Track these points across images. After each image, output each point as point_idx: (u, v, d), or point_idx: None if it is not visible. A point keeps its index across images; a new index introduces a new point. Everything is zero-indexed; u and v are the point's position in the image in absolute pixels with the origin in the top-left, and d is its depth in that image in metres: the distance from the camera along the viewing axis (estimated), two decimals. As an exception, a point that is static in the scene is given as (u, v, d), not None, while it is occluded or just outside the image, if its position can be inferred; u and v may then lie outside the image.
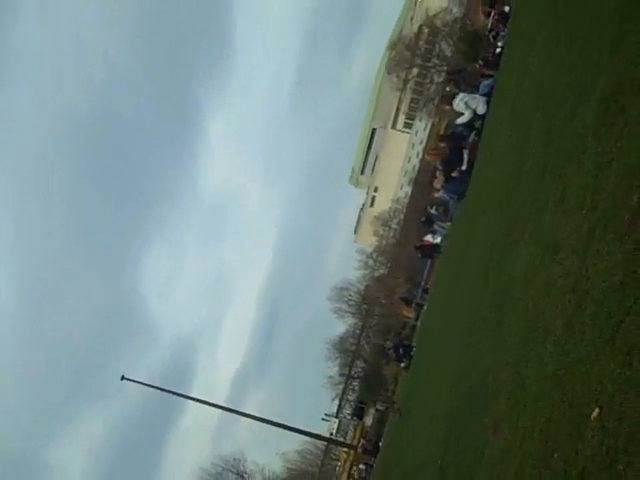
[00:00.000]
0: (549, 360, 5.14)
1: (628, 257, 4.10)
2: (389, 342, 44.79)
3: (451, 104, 22.94)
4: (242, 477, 60.62)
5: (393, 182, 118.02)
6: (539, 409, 4.98)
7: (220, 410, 54.58)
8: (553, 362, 5.01)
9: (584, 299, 4.73)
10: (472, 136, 21.95)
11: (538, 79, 10.82)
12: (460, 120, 22.14)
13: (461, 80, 24.85)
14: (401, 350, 35.91)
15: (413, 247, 41.06)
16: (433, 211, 31.37)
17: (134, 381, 46.83)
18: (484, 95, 21.80)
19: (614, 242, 4.44)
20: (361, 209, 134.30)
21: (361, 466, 47.88)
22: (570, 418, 4.27)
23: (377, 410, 51.35)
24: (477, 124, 21.77)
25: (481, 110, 21.32)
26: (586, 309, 4.62)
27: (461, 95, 22.29)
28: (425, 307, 35.58)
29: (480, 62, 29.16)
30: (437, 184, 25.70)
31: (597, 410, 3.85)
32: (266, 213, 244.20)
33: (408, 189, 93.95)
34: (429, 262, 39.27)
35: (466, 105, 21.46)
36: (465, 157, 21.88)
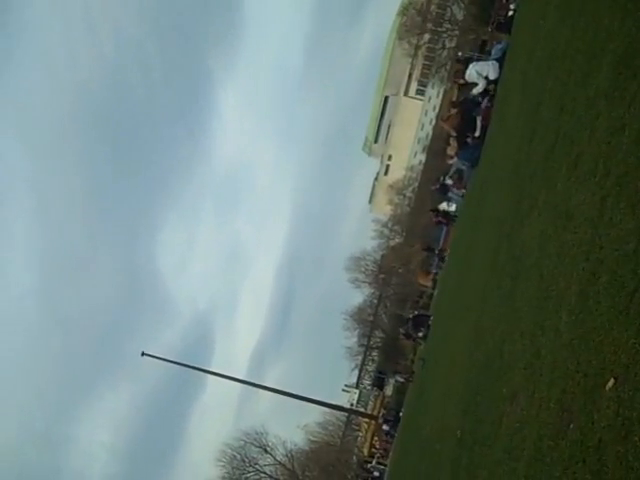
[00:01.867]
0: (564, 329, 5.10)
1: (641, 225, 4.04)
2: (402, 329, 44.89)
3: (464, 77, 22.72)
4: (265, 450, 61.10)
5: (407, 150, 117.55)
6: (555, 379, 4.95)
7: (240, 384, 55.05)
8: (568, 331, 4.98)
9: (598, 268, 4.68)
10: (485, 102, 21.76)
11: (550, 43, 10.66)
12: (475, 90, 21.93)
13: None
14: (414, 324, 35.98)
15: (429, 211, 41.00)
16: (448, 181, 31.22)
17: (154, 357, 47.30)
18: (496, 60, 21.58)
19: (627, 210, 4.37)
20: (375, 178, 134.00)
21: (385, 426, 48.04)
22: (585, 388, 4.24)
23: (397, 381, 51.57)
24: (490, 89, 21.58)
25: (493, 75, 21.11)
26: (600, 278, 4.57)
27: (472, 64, 22.10)
28: (441, 275, 35.63)
29: (492, 25, 28.86)
30: (450, 151, 25.57)
31: (612, 380, 3.82)
32: (280, 184, 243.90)
33: (422, 157, 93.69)
34: (444, 229, 39.24)
35: (478, 74, 21.26)
36: (478, 124, 21.71)
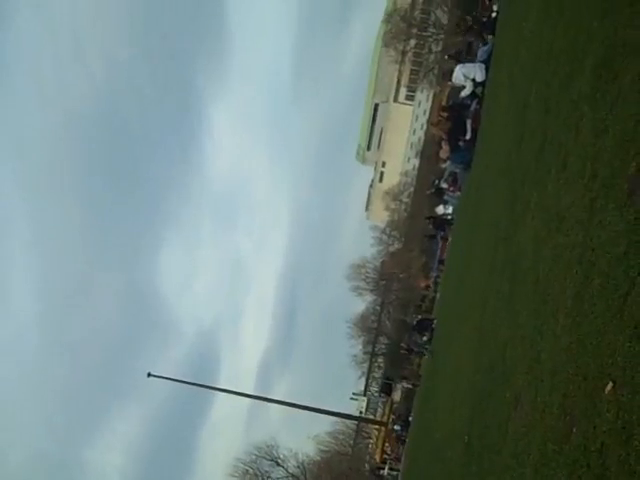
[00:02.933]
0: (562, 333, 5.13)
1: (630, 227, 4.07)
2: (403, 344, 45.10)
3: (451, 79, 22.81)
4: (276, 463, 61.05)
5: (400, 156, 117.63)
6: (556, 383, 4.97)
7: (249, 399, 54.97)
8: (566, 335, 5.00)
9: (591, 270, 4.71)
10: (474, 105, 21.83)
11: (533, 45, 10.71)
12: (463, 93, 22.01)
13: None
14: (418, 329, 36.01)
15: (425, 218, 41.15)
16: (443, 184, 31.28)
17: (161, 377, 47.25)
18: (482, 62, 21.66)
19: (615, 212, 4.40)
20: (370, 185, 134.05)
21: (396, 426, 47.96)
22: (585, 392, 4.26)
23: (404, 387, 51.50)
24: (478, 91, 21.65)
25: (480, 77, 21.18)
26: (593, 281, 4.60)
27: (458, 67, 22.16)
28: (442, 279, 35.67)
29: (469, 21, 28.98)
30: (443, 155, 25.61)
31: (610, 384, 3.84)
32: (276, 197, 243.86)
33: (416, 161, 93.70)
34: (440, 242, 39.32)
35: (465, 76, 21.33)
36: (468, 126, 21.78)
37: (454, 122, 22.61)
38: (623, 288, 3.97)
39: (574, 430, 4.32)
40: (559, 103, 7.21)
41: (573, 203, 5.61)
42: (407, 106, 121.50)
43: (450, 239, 34.26)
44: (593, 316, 4.42)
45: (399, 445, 49.56)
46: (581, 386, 4.36)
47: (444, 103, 25.40)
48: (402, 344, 49.77)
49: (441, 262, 39.03)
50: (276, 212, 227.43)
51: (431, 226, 39.03)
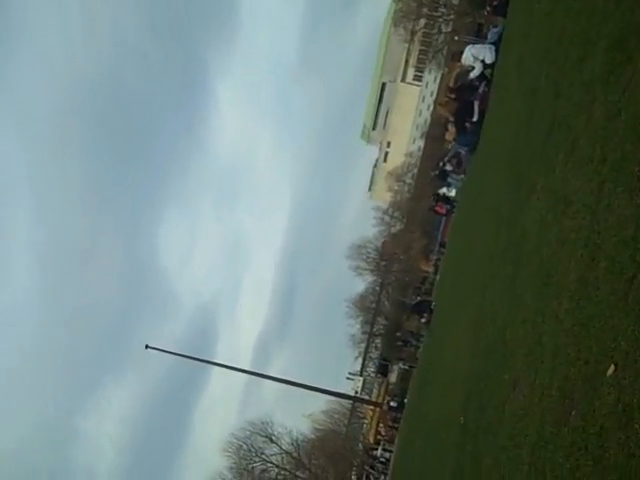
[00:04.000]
0: (564, 316, 5.10)
1: (639, 211, 4.03)
2: (400, 334, 45.40)
3: (460, 60, 22.64)
4: (270, 439, 61.32)
5: (405, 136, 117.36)
6: (556, 366, 4.96)
7: (245, 375, 55.18)
8: (568, 318, 4.98)
9: (597, 254, 4.67)
10: (482, 87, 21.70)
11: (545, 26, 10.61)
12: (472, 74, 21.85)
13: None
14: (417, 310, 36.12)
15: (431, 195, 41.08)
16: (447, 166, 31.19)
17: (158, 349, 47.32)
18: (493, 43, 21.50)
19: (624, 196, 4.36)
20: (374, 165, 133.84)
21: (392, 403, 48.18)
22: (586, 375, 4.24)
23: (401, 368, 51.70)
24: (487, 73, 21.51)
25: (489, 59, 21.03)
26: (599, 264, 4.57)
27: (468, 47, 22.00)
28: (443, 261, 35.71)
29: (488, 8, 28.68)
30: (449, 137, 25.56)
31: (612, 367, 3.82)
32: (279, 174, 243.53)
33: (421, 143, 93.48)
34: (443, 220, 39.31)
35: (474, 57, 21.18)
36: (475, 108, 21.66)
37: (461, 103, 22.50)
38: (629, 272, 3.94)
39: (573, 413, 4.31)
40: (570, 86, 7.14)
41: (581, 186, 5.56)
42: (414, 86, 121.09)
43: (452, 220, 34.24)
44: (597, 299, 4.39)
45: (393, 427, 49.86)
46: (582, 369, 4.34)
47: (452, 84, 25.21)
48: (398, 334, 50.08)
49: (442, 244, 39.07)
50: (278, 190, 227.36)
51: (432, 208, 38.95)
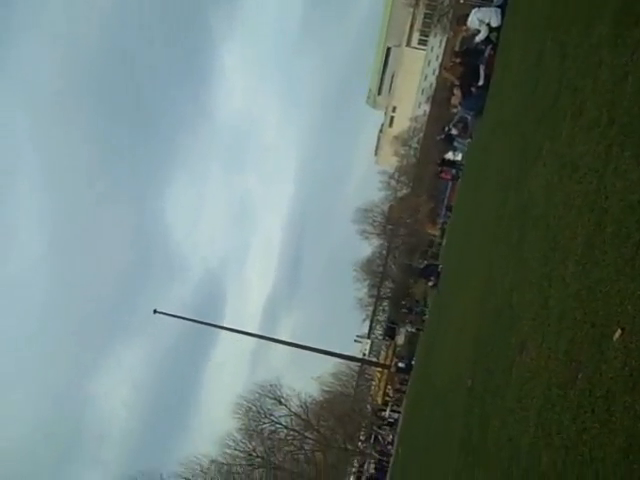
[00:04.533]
0: (571, 280, 5.13)
1: (645, 176, 4.04)
2: (405, 302, 45.52)
3: (465, 23, 22.40)
4: (279, 401, 61.86)
5: (411, 101, 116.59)
6: (562, 329, 5.00)
7: (253, 338, 55.56)
8: (575, 282, 5.01)
9: (603, 218, 4.69)
10: (488, 50, 21.49)
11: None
12: (478, 38, 21.62)
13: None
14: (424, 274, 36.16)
15: (435, 164, 41.02)
16: (453, 131, 31.02)
17: (166, 314, 47.65)
18: (499, 6, 21.27)
19: (632, 160, 4.36)
20: (380, 130, 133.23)
21: (400, 363, 48.52)
22: (593, 339, 4.28)
23: (408, 331, 51.95)
24: (493, 37, 21.30)
25: (495, 22, 20.80)
26: (605, 228, 4.59)
27: (473, 11, 21.75)
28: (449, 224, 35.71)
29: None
30: (454, 101, 25.35)
31: (619, 331, 3.86)
32: (286, 139, 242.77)
33: (426, 107, 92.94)
34: (450, 185, 39.24)
35: (480, 21, 20.95)
36: (481, 72, 21.47)
37: (467, 68, 22.30)
38: (636, 236, 3.96)
39: (580, 376, 4.36)
40: (577, 49, 7.10)
41: (588, 150, 5.56)
42: (419, 51, 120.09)
43: (459, 185, 34.15)
44: (604, 263, 4.42)
45: (401, 389, 50.24)
46: (589, 332, 4.38)
47: (457, 48, 25.02)
48: (403, 302, 50.28)
49: (449, 208, 39.03)
50: (285, 154, 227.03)
51: (438, 174, 38.88)
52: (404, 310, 49.07)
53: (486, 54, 21.33)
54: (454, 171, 36.23)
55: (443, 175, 38.26)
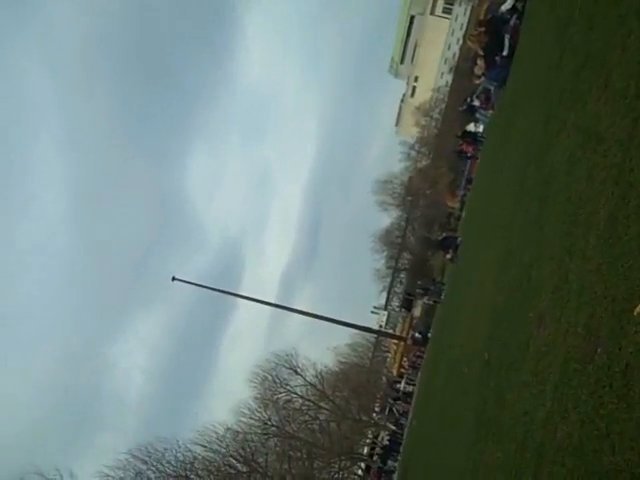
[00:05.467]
0: (592, 254, 5.07)
1: (672, 148, 3.96)
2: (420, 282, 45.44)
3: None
4: (295, 371, 62.16)
5: (433, 71, 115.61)
6: (582, 304, 4.94)
7: (270, 308, 55.78)
8: (596, 256, 4.94)
9: (628, 192, 4.61)
10: (513, 20, 21.18)
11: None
12: (504, 7, 21.31)
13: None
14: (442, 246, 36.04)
15: (455, 136, 40.70)
16: (475, 102, 30.72)
17: (185, 281, 47.93)
18: (525, -25, 20.93)
19: (659, 132, 4.28)
20: (402, 100, 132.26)
21: (417, 334, 48.68)
22: (613, 313, 4.23)
23: (425, 303, 51.92)
24: (519, 6, 20.99)
25: (522, -9, 20.51)
26: (630, 202, 4.51)
27: (500, -21, 21.45)
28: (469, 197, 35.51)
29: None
30: (478, 71, 25.04)
31: (640, 306, 3.80)
32: (306, 108, 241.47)
33: (449, 77, 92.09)
34: (469, 161, 38.96)
35: (507, -11, 20.65)
36: (506, 42, 21.17)
37: (492, 37, 21.99)
38: (661, 210, 3.89)
39: (598, 350, 4.31)
40: (605, 19, 6.95)
41: (613, 123, 5.45)
42: (444, 19, 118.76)
43: (480, 156, 33.89)
44: (627, 238, 4.35)
45: (416, 362, 50.35)
46: (609, 307, 4.33)
47: (482, 17, 24.63)
48: (419, 282, 50.23)
49: (469, 181, 38.78)
50: (305, 124, 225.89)
51: (459, 147, 38.58)
52: (420, 290, 49.05)
53: (511, 23, 21.02)
54: (474, 144, 35.99)
55: (464, 147, 37.95)
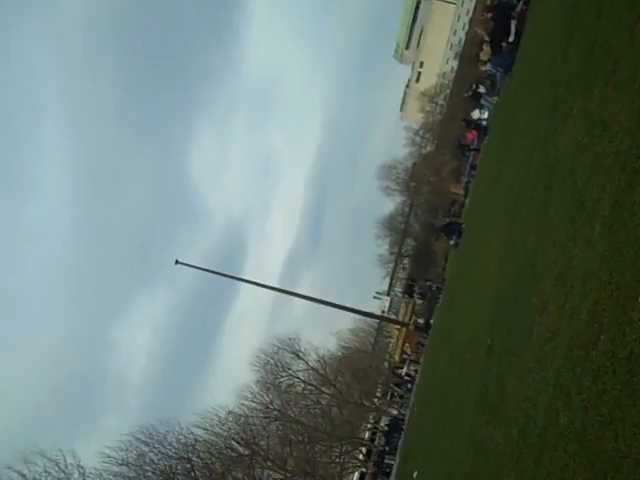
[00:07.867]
0: (597, 241, 5.06)
1: (680, 135, 3.94)
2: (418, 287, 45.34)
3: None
4: (297, 355, 62.25)
5: (439, 56, 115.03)
6: (586, 291, 4.93)
7: (273, 292, 55.82)
8: (601, 243, 4.93)
9: (634, 178, 4.59)
10: (520, 5, 21.07)
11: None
12: None
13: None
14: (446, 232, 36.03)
15: (461, 121, 40.57)
16: (481, 88, 30.59)
17: (188, 265, 47.90)
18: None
19: (666, 119, 4.25)
20: (407, 85, 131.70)
21: (420, 320, 48.70)
22: (618, 300, 4.22)
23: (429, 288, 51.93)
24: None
25: (529, -23, 20.38)
26: (636, 188, 4.49)
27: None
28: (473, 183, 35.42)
29: None
30: (484, 57, 24.94)
31: (645, 293, 3.80)
32: (311, 93, 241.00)
33: (454, 63, 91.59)
34: (472, 155, 38.83)
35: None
36: (512, 28, 21.06)
37: (498, 23, 21.89)
38: (667, 197, 3.87)
39: (602, 337, 4.31)
40: (613, 4, 6.91)
41: (621, 109, 5.43)
42: (450, 4, 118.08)
43: (484, 143, 33.78)
44: (633, 224, 4.33)
45: (418, 350, 50.40)
46: (613, 294, 4.32)
47: (489, 2, 24.52)
48: (415, 287, 50.29)
49: (473, 167, 38.64)
50: (310, 108, 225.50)
51: (463, 137, 38.49)
52: (417, 296, 49.28)
53: (518, 9, 20.91)
54: (478, 133, 35.88)
55: (468, 136, 37.84)
